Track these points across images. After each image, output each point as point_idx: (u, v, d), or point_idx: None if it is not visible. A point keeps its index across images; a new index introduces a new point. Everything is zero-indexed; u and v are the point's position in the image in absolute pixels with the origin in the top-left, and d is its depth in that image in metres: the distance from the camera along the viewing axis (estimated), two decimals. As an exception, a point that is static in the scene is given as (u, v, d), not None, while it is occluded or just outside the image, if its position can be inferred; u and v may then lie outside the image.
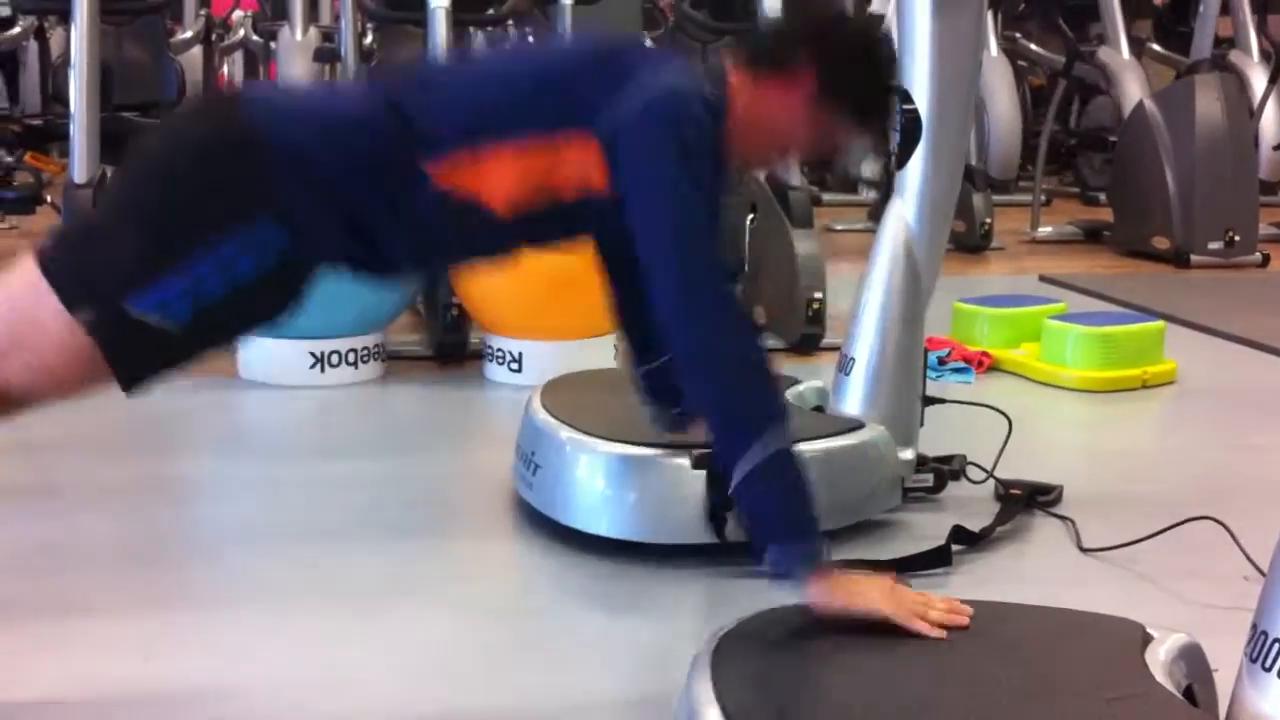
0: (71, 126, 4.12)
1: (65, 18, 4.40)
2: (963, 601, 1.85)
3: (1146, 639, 1.73)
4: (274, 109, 1.94)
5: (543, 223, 2.00)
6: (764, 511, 1.86)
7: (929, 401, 2.87)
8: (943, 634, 1.77)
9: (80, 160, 4.08)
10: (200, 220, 1.82)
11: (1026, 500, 2.77)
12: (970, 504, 2.78)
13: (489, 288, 3.77)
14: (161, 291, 1.80)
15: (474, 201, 1.93)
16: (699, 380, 1.96)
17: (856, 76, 2.05)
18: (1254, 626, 1.50)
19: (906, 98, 2.80)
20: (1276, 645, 1.46)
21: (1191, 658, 1.74)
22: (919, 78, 2.78)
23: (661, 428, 2.48)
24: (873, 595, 1.81)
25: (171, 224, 1.83)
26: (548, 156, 1.94)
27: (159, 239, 1.82)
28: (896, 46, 2.85)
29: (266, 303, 1.93)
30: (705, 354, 1.93)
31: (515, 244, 2.06)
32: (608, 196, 1.97)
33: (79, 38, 4.16)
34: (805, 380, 3.07)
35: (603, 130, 1.94)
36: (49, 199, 4.62)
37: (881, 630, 1.78)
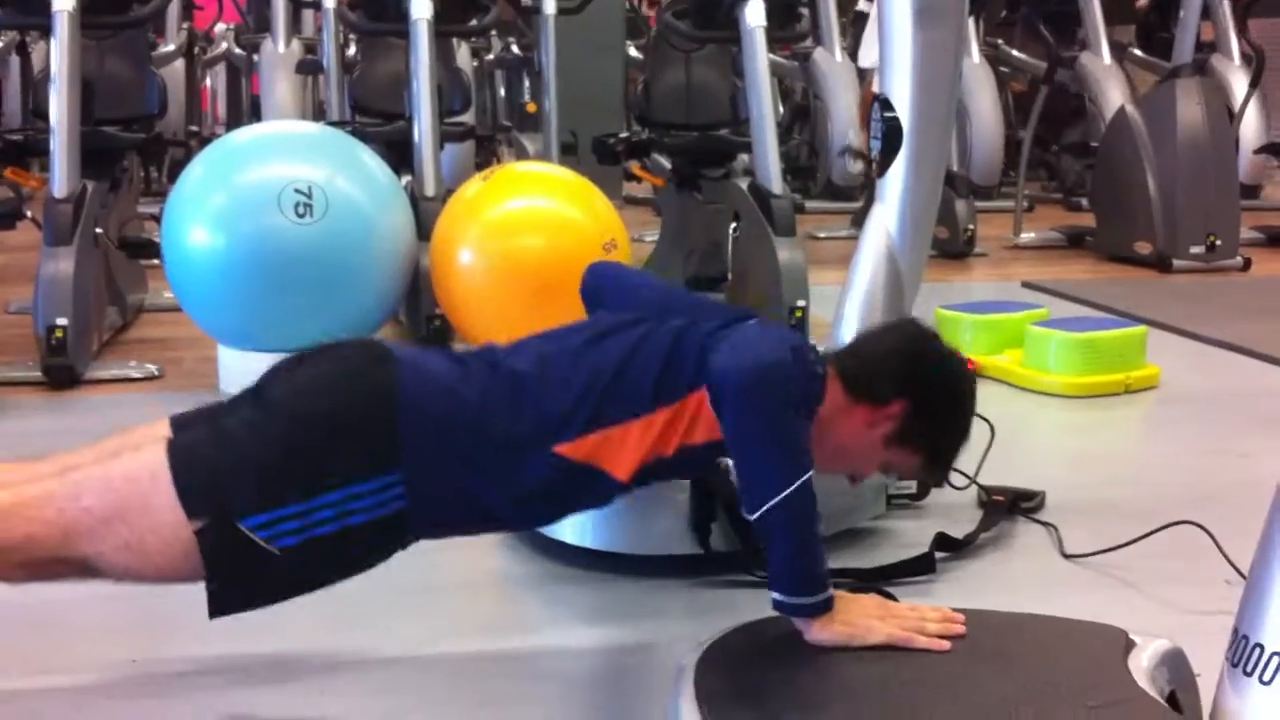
0: (52, 141, 4.11)
1: (47, 32, 4.38)
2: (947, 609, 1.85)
3: (1129, 645, 1.74)
4: (424, 377, 2.00)
5: (646, 476, 2.04)
6: (779, 557, 1.87)
7: (912, 409, 2.87)
8: (945, 645, 1.78)
9: (61, 175, 4.07)
10: (336, 467, 1.89)
11: (1009, 507, 2.78)
12: (954, 511, 2.78)
13: (470, 297, 3.77)
14: (278, 516, 1.86)
15: (597, 471, 1.99)
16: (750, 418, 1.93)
17: (942, 428, 2.11)
18: (1235, 631, 1.51)
19: (887, 105, 2.81)
20: (1258, 650, 1.47)
21: (1174, 663, 1.75)
22: (900, 85, 2.79)
23: None
24: (869, 622, 1.83)
25: (310, 460, 1.89)
26: (673, 423, 1.99)
27: (291, 473, 1.88)
28: (878, 54, 2.86)
29: (366, 551, 1.98)
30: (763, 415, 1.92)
31: (621, 492, 2.09)
32: (703, 445, 2.00)
33: (59, 52, 4.14)
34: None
35: (713, 379, 1.95)
36: (29, 214, 4.60)
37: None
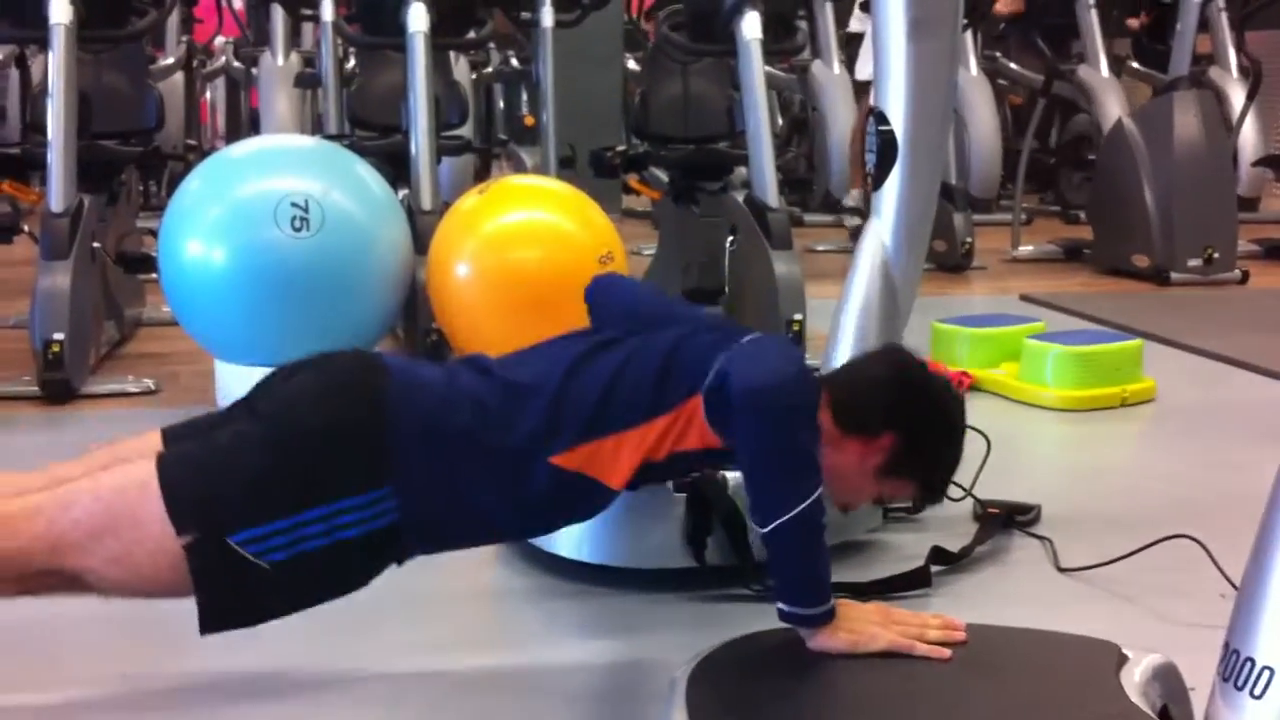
0: (49, 155, 4.11)
1: (44, 46, 4.39)
2: (939, 622, 1.85)
3: (1121, 659, 1.74)
4: (415, 387, 1.99)
5: (637, 482, 2.05)
6: (788, 570, 1.87)
7: (908, 422, 2.87)
8: (946, 653, 1.78)
9: (58, 189, 4.07)
10: (325, 478, 1.88)
11: (1005, 520, 2.78)
12: (950, 524, 2.78)
13: (467, 311, 3.77)
14: (267, 531, 1.85)
15: (591, 480, 2.00)
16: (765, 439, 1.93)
17: (935, 458, 2.12)
18: (1226, 645, 1.50)
19: (882, 118, 2.81)
20: (1249, 664, 1.46)
21: (1167, 677, 1.74)
22: (894, 99, 2.80)
23: None
24: (872, 630, 1.83)
25: (299, 474, 1.88)
26: (667, 432, 2.00)
27: (281, 487, 1.87)
28: (873, 68, 2.86)
29: (359, 566, 1.97)
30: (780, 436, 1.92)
31: (610, 502, 2.10)
32: (697, 452, 2.02)
33: (56, 66, 4.15)
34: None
35: (710, 385, 1.96)
36: (26, 228, 4.60)
37: (859, 655, 1.78)
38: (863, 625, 1.85)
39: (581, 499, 2.05)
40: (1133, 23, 8.33)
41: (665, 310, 2.27)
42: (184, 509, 1.84)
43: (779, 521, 1.83)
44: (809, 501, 1.83)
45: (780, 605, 1.86)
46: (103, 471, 1.91)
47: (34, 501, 1.87)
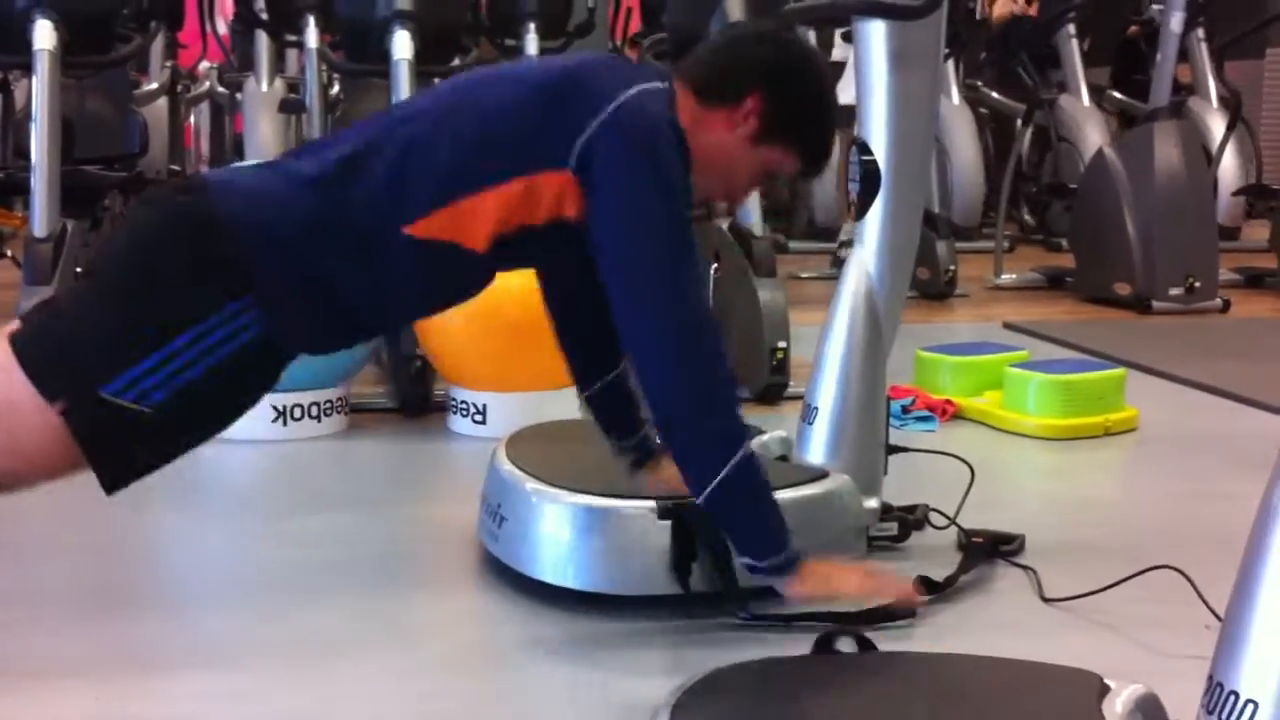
0: (32, 180, 4.10)
1: (28, 71, 4.39)
2: (920, 653, 1.85)
3: (1104, 690, 1.74)
4: (240, 191, 1.93)
5: (513, 248, 1.99)
6: (735, 528, 1.87)
7: (892, 450, 2.88)
8: (917, 597, 1.78)
9: (41, 214, 4.07)
10: (176, 303, 1.82)
11: (989, 549, 2.78)
12: (934, 553, 2.78)
13: (452, 339, 3.77)
14: (137, 374, 1.80)
15: (452, 246, 1.93)
16: (670, 395, 1.96)
17: (804, 112, 2.06)
18: (1210, 677, 1.50)
19: (865, 148, 2.82)
20: (1232, 697, 1.46)
21: (1149, 708, 1.74)
22: (877, 128, 2.80)
23: (625, 463, 2.50)
24: (842, 574, 1.83)
25: (147, 307, 1.83)
26: (527, 194, 1.93)
27: (135, 322, 1.82)
28: (856, 96, 2.87)
29: (242, 386, 1.92)
30: (683, 385, 1.93)
31: (487, 274, 2.04)
32: (576, 221, 1.96)
33: (40, 91, 4.15)
34: (770, 430, 3.07)
35: (578, 156, 1.92)
36: (9, 253, 4.60)
37: (841, 684, 1.78)
38: (832, 569, 1.84)
39: (446, 270, 1.97)
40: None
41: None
42: (47, 376, 1.79)
43: (711, 487, 1.82)
44: (737, 459, 1.82)
45: (746, 560, 1.85)
46: None
47: None
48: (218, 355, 1.83)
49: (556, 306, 2.34)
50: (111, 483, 1.86)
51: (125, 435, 1.82)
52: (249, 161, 2.06)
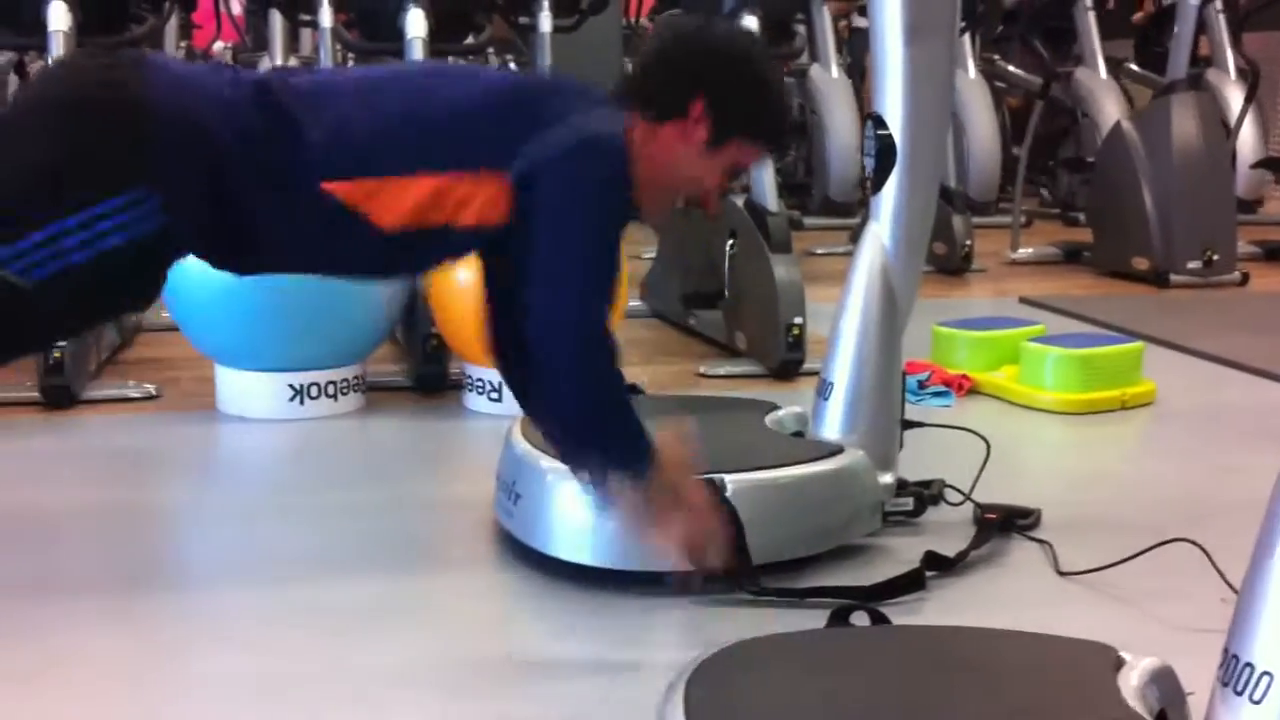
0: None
1: (43, 52, 4.38)
2: (935, 626, 1.85)
3: (1119, 663, 1.74)
4: (178, 78, 1.86)
5: (424, 245, 1.98)
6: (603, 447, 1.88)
7: (907, 425, 2.88)
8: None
9: (58, 195, 4.08)
10: (77, 179, 1.74)
11: (1004, 524, 2.77)
12: (950, 528, 2.78)
13: (468, 316, 3.77)
14: (23, 246, 1.72)
15: (359, 216, 1.89)
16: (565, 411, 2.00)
17: (751, 101, 2.04)
18: (1225, 650, 1.50)
19: (880, 122, 2.82)
20: (1248, 669, 1.46)
21: (1164, 681, 1.74)
22: (892, 103, 2.80)
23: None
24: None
25: (46, 179, 1.75)
26: (453, 191, 1.91)
27: (30, 193, 1.74)
28: (871, 71, 2.86)
29: (126, 281, 1.84)
30: (583, 410, 1.98)
31: (388, 263, 2.02)
32: (499, 228, 1.95)
33: (56, 73, 4.16)
34: (785, 406, 3.08)
35: (520, 169, 1.91)
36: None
37: (856, 658, 1.78)
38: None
39: (344, 238, 1.92)
40: (1139, 16, 8.33)
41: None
42: None
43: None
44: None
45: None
46: None
47: None
48: (109, 241, 1.75)
49: (489, 302, 2.32)
50: None
51: (4, 307, 1.75)
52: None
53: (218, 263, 2.01)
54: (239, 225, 1.88)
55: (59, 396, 3.86)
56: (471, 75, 2.00)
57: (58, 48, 4.14)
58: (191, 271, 3.66)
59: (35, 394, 3.87)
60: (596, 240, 1.93)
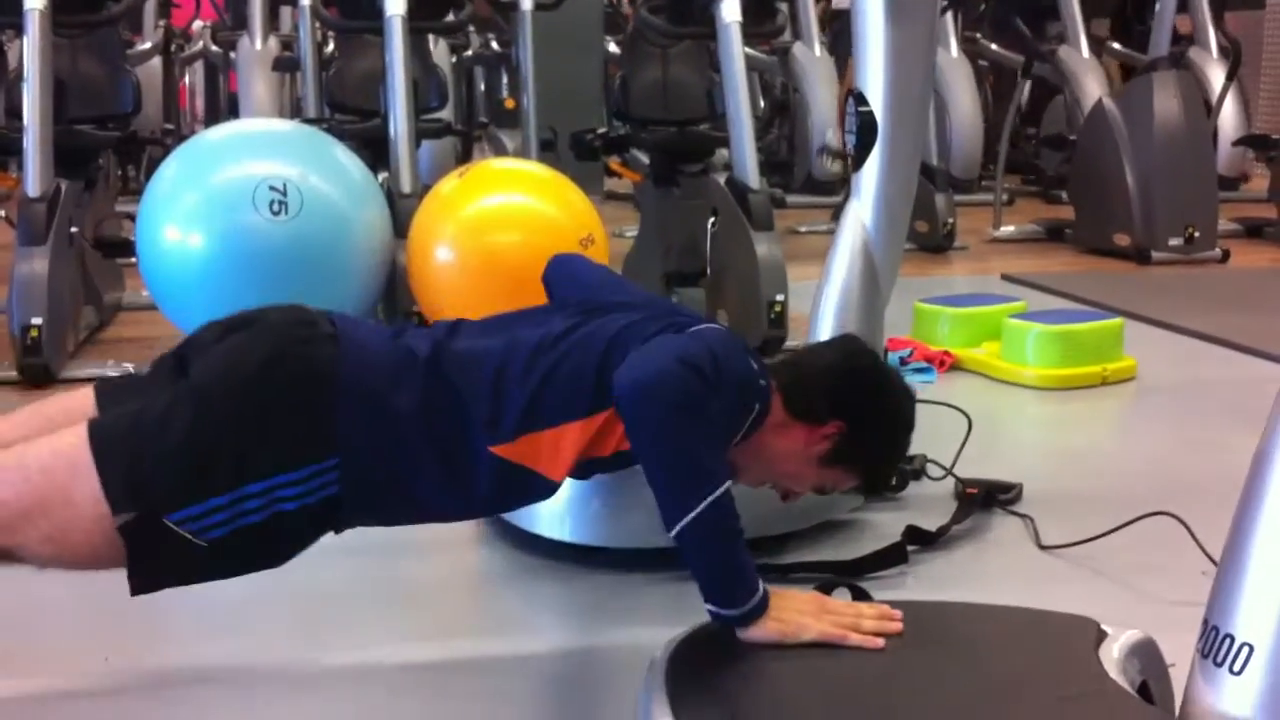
0: (25, 140, 4.08)
1: (19, 31, 4.35)
2: (916, 602, 1.85)
3: (1100, 636, 1.74)
4: (363, 354, 1.91)
5: (584, 472, 2.04)
6: (704, 573, 1.83)
7: (889, 402, 2.88)
8: (880, 643, 1.76)
9: (34, 174, 4.04)
10: (265, 455, 1.81)
11: (985, 498, 2.78)
12: (932, 503, 2.78)
13: (447, 294, 3.76)
14: (205, 509, 1.79)
15: (531, 471, 1.94)
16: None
17: (879, 451, 2.12)
18: (1205, 621, 1.51)
19: (861, 99, 2.81)
20: (1228, 640, 1.47)
21: (1146, 654, 1.75)
22: (873, 81, 2.79)
23: None
24: (802, 620, 1.80)
25: (235, 452, 1.80)
26: (603, 429, 1.95)
27: (218, 463, 1.80)
28: (853, 50, 2.86)
29: (296, 537, 1.91)
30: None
31: (555, 490, 2.04)
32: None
33: (31, 51, 4.12)
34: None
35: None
36: (3, 213, 4.58)
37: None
38: (792, 615, 1.80)
39: (522, 488, 1.99)
40: None
41: (619, 291, 2.23)
42: (120, 489, 1.77)
43: (680, 526, 1.79)
44: (706, 504, 1.78)
45: (708, 606, 1.81)
46: (29, 445, 1.83)
47: None
48: (286, 507, 1.82)
49: None
50: (138, 588, 1.85)
51: (172, 556, 1.82)
52: (377, 326, 2.06)
53: (390, 521, 2.05)
54: (416, 496, 1.94)
55: (37, 375, 3.84)
56: (610, 327, 2.02)
57: (34, 27, 4.11)
58: (169, 249, 3.67)
59: (13, 374, 3.85)
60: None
